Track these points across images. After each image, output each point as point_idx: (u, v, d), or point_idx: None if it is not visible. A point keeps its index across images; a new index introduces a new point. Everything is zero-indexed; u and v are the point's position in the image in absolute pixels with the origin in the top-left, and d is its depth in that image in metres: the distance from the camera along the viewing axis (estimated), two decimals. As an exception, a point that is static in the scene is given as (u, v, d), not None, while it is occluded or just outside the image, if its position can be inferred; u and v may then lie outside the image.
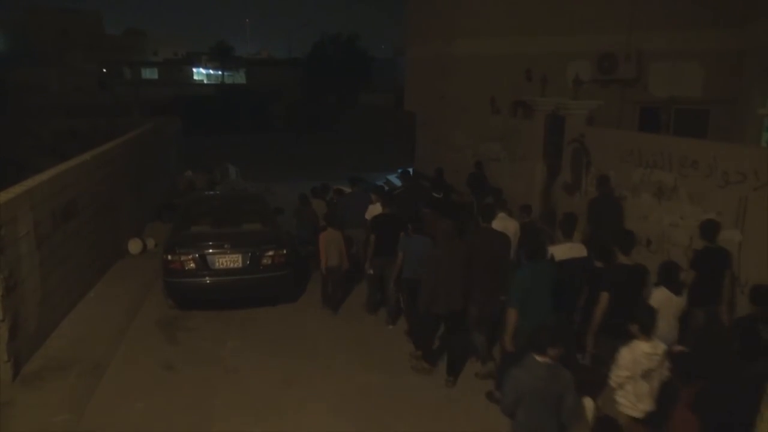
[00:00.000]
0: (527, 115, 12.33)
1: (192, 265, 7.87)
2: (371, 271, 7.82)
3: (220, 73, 65.78)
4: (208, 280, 7.93)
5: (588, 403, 4.77)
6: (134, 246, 10.69)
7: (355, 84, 47.57)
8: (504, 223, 7.09)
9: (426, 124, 17.44)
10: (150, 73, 61.96)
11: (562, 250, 6.07)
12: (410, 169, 14.05)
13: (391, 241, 7.15)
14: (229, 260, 7.98)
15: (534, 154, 11.21)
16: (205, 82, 65.06)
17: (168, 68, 63.48)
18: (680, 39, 12.93)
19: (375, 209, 8.37)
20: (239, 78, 63.72)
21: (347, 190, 10.11)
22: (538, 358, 3.99)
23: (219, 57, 63.64)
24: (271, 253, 8.08)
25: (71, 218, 8.10)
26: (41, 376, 6.29)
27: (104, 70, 54.74)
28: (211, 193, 12.11)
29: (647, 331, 4.37)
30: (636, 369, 4.35)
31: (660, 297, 5.12)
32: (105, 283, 9.20)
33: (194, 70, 68.40)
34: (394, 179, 16.39)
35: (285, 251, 8.20)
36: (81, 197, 8.55)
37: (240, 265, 7.99)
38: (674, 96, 13.34)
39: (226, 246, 8.02)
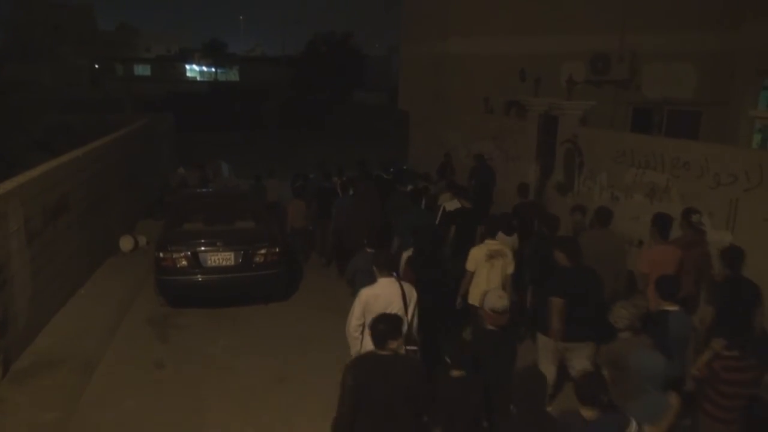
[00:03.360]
0: (520, 115, 12.36)
1: (184, 262, 7.84)
2: (311, 228, 10.32)
3: (213, 70, 65.60)
4: (200, 277, 7.89)
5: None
6: (126, 243, 10.63)
7: (349, 82, 47.59)
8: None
9: (419, 123, 17.45)
10: (142, 70, 61.72)
11: (451, 204, 8.52)
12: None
13: (327, 207, 9.56)
14: (221, 258, 7.95)
15: (527, 154, 11.24)
16: (198, 79, 64.88)
17: (161, 65, 63.22)
18: (673, 41, 12.99)
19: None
20: (232, 75, 63.62)
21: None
22: (368, 249, 6.27)
23: (212, 54, 63.48)
24: (263, 251, 8.05)
25: (62, 215, 8.04)
26: (31, 373, 6.24)
27: (96, 66, 54.43)
28: (204, 190, 12.06)
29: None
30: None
31: (498, 237, 6.67)
32: (96, 280, 9.15)
33: (187, 67, 68.18)
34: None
35: (278, 249, 8.18)
36: (72, 194, 8.50)
37: (232, 262, 7.97)
38: (667, 97, 13.41)
39: (218, 244, 7.99)
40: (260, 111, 37.43)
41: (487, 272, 5.96)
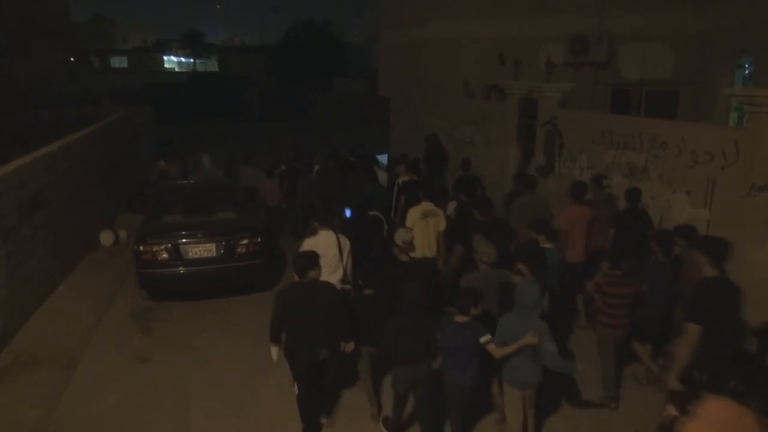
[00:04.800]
0: (501, 98, 12.35)
1: (165, 255, 7.76)
2: (284, 206, 10.93)
3: (191, 60, 64.85)
4: (181, 270, 7.82)
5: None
6: (106, 237, 10.52)
7: (330, 70, 47.26)
8: (380, 174, 10.56)
9: (400, 109, 17.39)
10: (119, 62, 60.87)
11: (403, 178, 9.29)
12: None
13: (294, 185, 10.50)
14: (202, 249, 7.88)
15: (508, 137, 11.26)
16: (177, 70, 64.10)
17: (138, 56, 62.33)
18: (650, 21, 13.04)
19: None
20: (211, 65, 62.95)
21: None
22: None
23: (190, 44, 62.69)
24: (245, 241, 8.00)
25: (38, 210, 7.92)
26: (11, 371, 6.18)
27: (72, 59, 53.42)
28: (184, 182, 11.94)
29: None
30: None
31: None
32: (76, 276, 9.05)
33: (165, 58, 67.36)
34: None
35: (260, 239, 8.13)
36: (49, 189, 8.37)
37: (214, 254, 7.90)
38: (645, 78, 13.47)
39: (199, 235, 7.91)
40: (241, 101, 36.97)
41: (423, 229, 6.96)
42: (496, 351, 4.51)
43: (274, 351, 5.21)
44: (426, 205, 7.19)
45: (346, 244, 6.10)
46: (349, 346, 5.19)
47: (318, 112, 36.36)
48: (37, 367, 6.26)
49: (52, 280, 8.38)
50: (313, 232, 6.27)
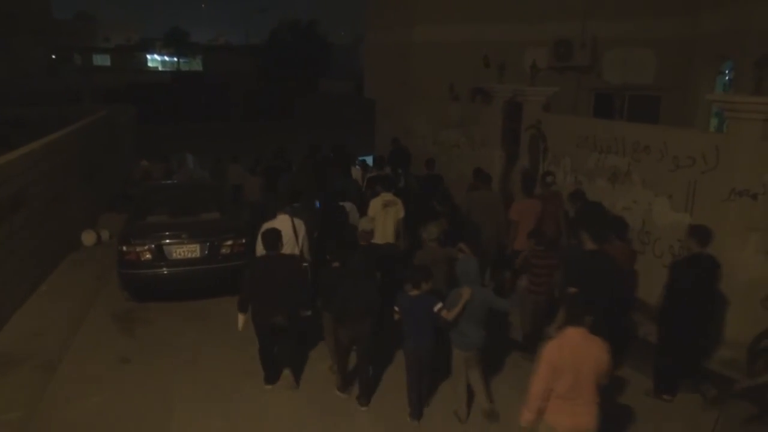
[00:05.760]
0: (486, 101, 12.42)
1: (148, 255, 7.71)
2: (263, 202, 10.83)
3: (175, 59, 64.31)
4: (165, 270, 7.77)
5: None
6: (88, 237, 10.41)
7: (315, 71, 47.15)
8: (356, 171, 11.46)
9: (386, 111, 17.40)
10: (102, 60, 60.15)
11: (370, 174, 10.25)
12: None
13: (275, 181, 10.82)
14: (186, 250, 7.84)
15: (493, 140, 11.32)
16: (160, 69, 63.51)
17: (121, 55, 61.64)
18: (633, 27, 13.19)
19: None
20: (195, 65, 62.47)
21: None
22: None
23: (174, 43, 62.11)
24: (229, 242, 7.97)
25: (19, 209, 7.82)
26: (-10, 373, 6.08)
27: (53, 57, 52.75)
28: (168, 182, 11.85)
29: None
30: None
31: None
32: (58, 276, 8.94)
33: (148, 56, 66.71)
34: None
35: (244, 240, 8.09)
36: (30, 188, 8.26)
37: (198, 255, 7.86)
38: (627, 82, 13.63)
39: (183, 236, 7.87)
40: (225, 101, 36.78)
41: (383, 217, 7.63)
42: (448, 315, 5.17)
43: (241, 319, 5.97)
44: (385, 196, 7.86)
45: (300, 226, 6.97)
46: (304, 311, 5.97)
47: (303, 113, 36.29)
48: (17, 369, 6.17)
49: (34, 280, 8.27)
50: (273, 216, 7.01)
